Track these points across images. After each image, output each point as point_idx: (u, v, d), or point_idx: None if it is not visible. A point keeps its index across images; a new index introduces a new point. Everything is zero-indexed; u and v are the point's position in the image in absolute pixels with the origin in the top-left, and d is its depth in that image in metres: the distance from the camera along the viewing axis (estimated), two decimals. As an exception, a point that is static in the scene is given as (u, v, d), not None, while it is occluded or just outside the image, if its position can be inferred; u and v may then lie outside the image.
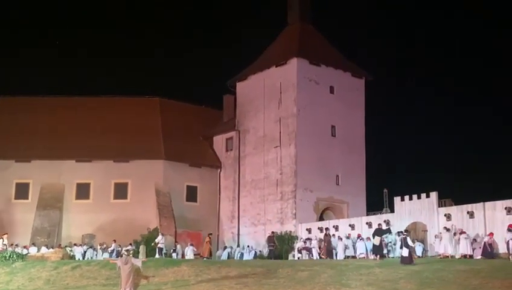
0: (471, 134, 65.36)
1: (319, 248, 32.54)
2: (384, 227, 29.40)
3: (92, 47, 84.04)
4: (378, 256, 26.49)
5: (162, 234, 34.57)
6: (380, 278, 19.74)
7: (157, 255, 32.03)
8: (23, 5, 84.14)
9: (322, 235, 33.47)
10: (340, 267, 22.36)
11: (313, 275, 21.08)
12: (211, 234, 36.27)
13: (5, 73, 77.84)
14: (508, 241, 24.63)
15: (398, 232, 27.66)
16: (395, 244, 29.14)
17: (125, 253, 24.78)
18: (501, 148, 59.94)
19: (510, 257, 24.06)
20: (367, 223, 33.14)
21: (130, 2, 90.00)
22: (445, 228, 28.13)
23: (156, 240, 33.42)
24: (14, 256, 29.34)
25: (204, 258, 32.38)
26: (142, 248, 32.61)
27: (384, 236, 28.04)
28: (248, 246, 36.74)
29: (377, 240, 26.83)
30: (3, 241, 33.46)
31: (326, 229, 33.49)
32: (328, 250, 31.46)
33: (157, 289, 20.05)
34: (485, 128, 64.01)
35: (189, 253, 34.30)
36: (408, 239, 24.59)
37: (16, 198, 39.99)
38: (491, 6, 75.71)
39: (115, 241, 35.17)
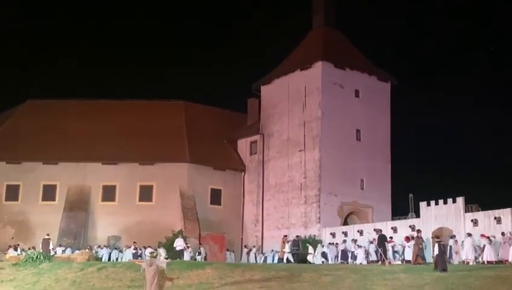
0: (498, 138, 64.43)
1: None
2: (411, 232, 29.77)
3: (118, 52, 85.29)
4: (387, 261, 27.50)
5: (184, 237, 34.83)
6: (405, 283, 19.55)
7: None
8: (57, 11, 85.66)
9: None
10: (364, 272, 22.21)
11: (336, 280, 20.97)
12: (286, 236, 35.53)
13: (33, 76, 79.53)
14: None
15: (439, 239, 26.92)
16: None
17: (149, 255, 24.95)
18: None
19: None
20: (392, 227, 32.91)
21: (155, 12, 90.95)
22: (468, 233, 27.82)
23: (174, 244, 33.79)
24: (41, 257, 29.78)
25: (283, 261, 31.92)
26: (162, 251, 32.77)
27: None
28: (272, 250, 36.71)
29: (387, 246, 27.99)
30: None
31: (418, 231, 27.79)
32: (419, 255, 26.46)
33: (181, 292, 20.19)
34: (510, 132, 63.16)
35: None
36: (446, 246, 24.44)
37: (43, 199, 40.55)
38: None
39: (135, 243, 35.62)
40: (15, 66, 79.98)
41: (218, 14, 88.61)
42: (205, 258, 34.42)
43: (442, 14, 78.71)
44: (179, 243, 33.81)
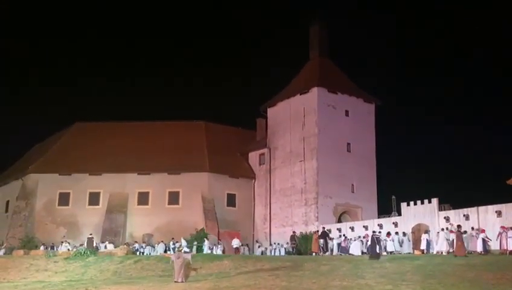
0: (467, 149, 64.12)
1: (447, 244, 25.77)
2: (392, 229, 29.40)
3: (147, 82, 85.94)
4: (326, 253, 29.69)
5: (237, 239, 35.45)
6: (390, 271, 19.40)
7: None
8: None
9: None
10: (355, 262, 22.07)
11: (333, 269, 20.83)
12: (317, 231, 34.31)
13: (79, 102, 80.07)
14: (507, 239, 23.88)
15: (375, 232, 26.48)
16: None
17: (178, 249, 24.97)
18: (492, 160, 58.73)
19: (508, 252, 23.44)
20: (378, 224, 32.67)
21: (179, 47, 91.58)
22: (442, 229, 27.45)
23: (232, 243, 34.45)
24: (88, 252, 29.81)
25: (314, 254, 30.81)
26: (183, 241, 32.97)
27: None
28: (278, 244, 36.53)
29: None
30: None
31: (459, 226, 25.11)
32: (463, 247, 23.42)
33: (204, 279, 20.08)
34: (478, 144, 62.85)
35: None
36: (380, 239, 25.43)
37: (89, 204, 40.58)
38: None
39: (174, 240, 35.53)
40: (63, 94, 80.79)
41: (235, 49, 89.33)
42: (223, 252, 34.30)
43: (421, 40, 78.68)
44: (235, 242, 33.79)
